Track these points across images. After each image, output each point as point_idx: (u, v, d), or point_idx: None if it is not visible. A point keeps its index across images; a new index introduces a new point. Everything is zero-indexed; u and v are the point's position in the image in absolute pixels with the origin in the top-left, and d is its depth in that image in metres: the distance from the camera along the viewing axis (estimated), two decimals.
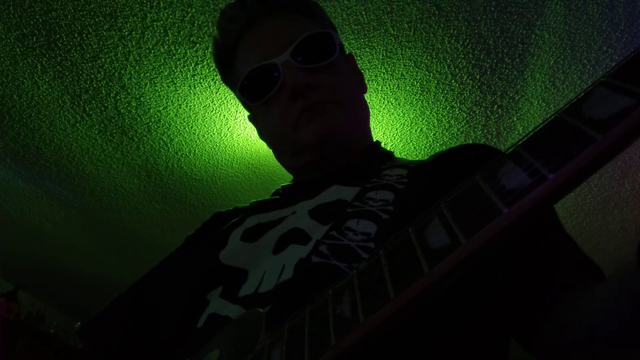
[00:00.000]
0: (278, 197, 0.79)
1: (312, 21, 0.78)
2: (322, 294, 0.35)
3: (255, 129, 0.87)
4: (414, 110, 2.53)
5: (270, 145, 0.82)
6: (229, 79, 0.83)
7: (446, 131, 2.65)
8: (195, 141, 2.74)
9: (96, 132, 2.70)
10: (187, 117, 2.58)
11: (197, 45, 2.18)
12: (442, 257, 0.28)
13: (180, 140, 2.75)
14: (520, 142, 0.31)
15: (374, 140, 0.83)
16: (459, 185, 0.31)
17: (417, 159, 0.83)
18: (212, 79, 2.35)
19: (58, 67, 2.31)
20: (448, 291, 0.29)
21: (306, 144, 0.71)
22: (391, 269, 0.30)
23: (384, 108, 2.52)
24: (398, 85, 2.38)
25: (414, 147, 2.74)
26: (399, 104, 2.50)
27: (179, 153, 2.84)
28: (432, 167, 0.66)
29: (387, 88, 2.40)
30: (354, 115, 0.75)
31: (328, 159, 0.73)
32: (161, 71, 2.31)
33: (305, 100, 0.70)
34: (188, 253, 0.76)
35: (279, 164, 0.84)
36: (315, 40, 0.74)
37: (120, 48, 2.21)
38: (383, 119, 2.58)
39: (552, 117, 0.30)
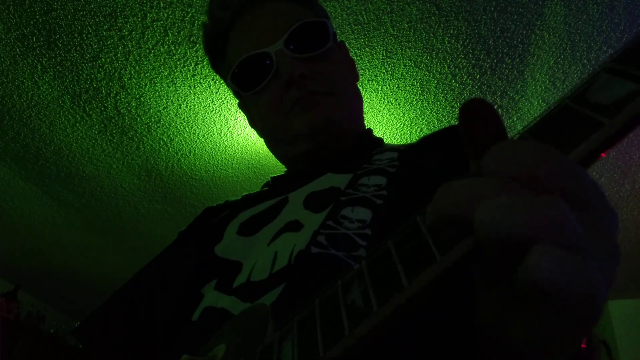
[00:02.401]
0: (268, 188, 0.78)
1: (304, 8, 0.77)
2: (330, 285, 0.35)
3: (249, 124, 0.87)
4: (414, 110, 2.53)
5: (261, 134, 0.82)
6: (220, 66, 0.82)
7: None
8: (195, 141, 2.75)
9: (96, 132, 2.70)
10: (187, 117, 2.58)
11: (197, 45, 2.18)
12: (452, 244, 0.28)
13: (180, 140, 2.75)
14: (526, 128, 0.31)
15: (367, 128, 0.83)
16: (460, 176, 0.31)
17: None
18: (212, 79, 2.35)
19: (58, 67, 2.31)
20: (461, 281, 0.29)
21: (299, 134, 0.71)
22: (402, 257, 0.31)
23: (384, 108, 2.52)
24: (398, 85, 2.38)
25: None
26: (399, 104, 2.50)
27: (179, 153, 2.84)
28: (422, 148, 0.66)
29: (387, 88, 2.40)
30: (347, 105, 0.75)
31: (321, 148, 0.73)
32: (161, 71, 2.31)
33: (299, 90, 0.70)
34: (181, 248, 0.75)
35: (279, 164, 0.84)
36: (309, 29, 0.73)
37: (120, 48, 2.21)
38: (383, 119, 2.58)
39: (557, 104, 0.30)
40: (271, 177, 0.81)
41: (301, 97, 0.70)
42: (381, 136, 2.67)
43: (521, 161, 0.27)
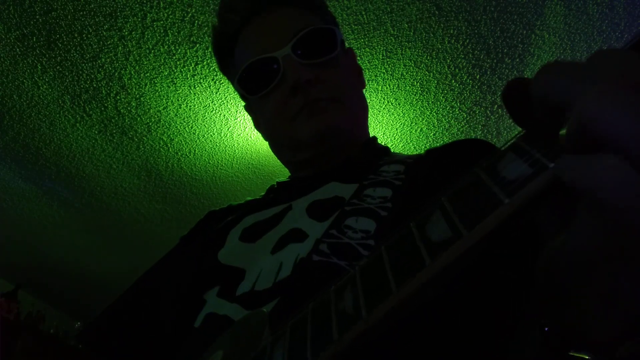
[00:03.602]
0: (273, 195, 0.78)
1: (313, 14, 0.77)
2: (324, 291, 0.35)
3: (254, 127, 0.87)
4: (414, 110, 2.53)
5: (266, 137, 0.82)
6: (227, 68, 0.83)
7: (446, 131, 2.65)
8: (195, 141, 2.74)
9: (96, 132, 2.70)
10: (187, 117, 2.58)
11: (197, 45, 2.18)
12: (443, 249, 0.27)
13: (180, 140, 2.74)
14: (519, 135, 0.31)
15: (371, 136, 0.83)
16: (458, 178, 0.31)
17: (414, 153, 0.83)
18: (212, 79, 2.35)
19: (58, 67, 2.31)
20: (453, 284, 0.29)
21: (304, 141, 0.71)
22: (392, 262, 0.30)
23: (384, 108, 2.52)
24: (398, 85, 2.38)
25: (414, 147, 2.74)
26: (399, 104, 2.50)
27: (179, 153, 2.84)
28: (428, 162, 0.66)
29: (387, 88, 2.40)
30: (353, 113, 0.75)
31: (325, 155, 0.73)
32: (161, 71, 2.31)
33: (305, 96, 0.70)
34: (184, 253, 0.75)
35: (279, 164, 0.84)
36: (317, 36, 0.73)
37: (120, 48, 2.21)
38: (383, 119, 2.58)
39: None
40: (277, 182, 0.81)
41: (306, 103, 0.70)
42: (381, 136, 2.68)
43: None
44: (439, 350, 0.47)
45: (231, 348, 0.44)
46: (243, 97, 0.82)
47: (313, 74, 0.70)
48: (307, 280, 0.52)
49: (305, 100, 0.70)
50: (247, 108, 0.86)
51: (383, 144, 0.84)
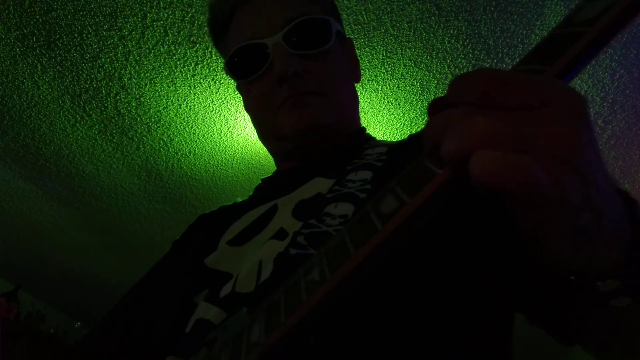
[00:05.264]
0: (259, 194, 0.77)
1: (313, 2, 0.75)
2: (295, 273, 0.39)
3: (248, 114, 0.86)
4: (414, 110, 2.53)
5: (253, 123, 0.81)
6: (221, 46, 0.82)
7: None
8: (195, 141, 2.74)
9: (96, 132, 2.70)
10: (187, 117, 2.58)
11: (197, 45, 2.18)
12: (392, 215, 0.33)
13: (180, 140, 2.74)
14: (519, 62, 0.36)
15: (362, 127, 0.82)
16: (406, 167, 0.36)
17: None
18: (212, 79, 2.35)
19: (58, 67, 2.31)
20: (404, 249, 0.33)
21: (284, 133, 0.70)
22: (351, 235, 0.35)
23: (384, 108, 2.52)
24: (398, 85, 2.38)
25: None
26: (399, 104, 2.49)
27: (179, 153, 2.84)
28: (410, 143, 0.65)
29: (387, 88, 2.40)
30: (339, 107, 0.73)
31: (309, 148, 0.71)
32: (161, 71, 2.31)
33: (291, 87, 0.68)
34: (176, 259, 0.74)
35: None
36: (311, 26, 0.71)
37: (120, 48, 2.21)
38: (383, 119, 2.58)
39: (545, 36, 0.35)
40: (262, 180, 0.81)
41: (291, 95, 0.68)
42: (381, 136, 2.68)
43: (470, 87, 0.31)
44: (401, 314, 0.47)
45: (216, 345, 0.45)
46: (233, 78, 0.82)
47: (302, 65, 0.69)
48: (284, 275, 0.52)
49: (291, 91, 0.68)
50: (238, 88, 0.84)
51: None
